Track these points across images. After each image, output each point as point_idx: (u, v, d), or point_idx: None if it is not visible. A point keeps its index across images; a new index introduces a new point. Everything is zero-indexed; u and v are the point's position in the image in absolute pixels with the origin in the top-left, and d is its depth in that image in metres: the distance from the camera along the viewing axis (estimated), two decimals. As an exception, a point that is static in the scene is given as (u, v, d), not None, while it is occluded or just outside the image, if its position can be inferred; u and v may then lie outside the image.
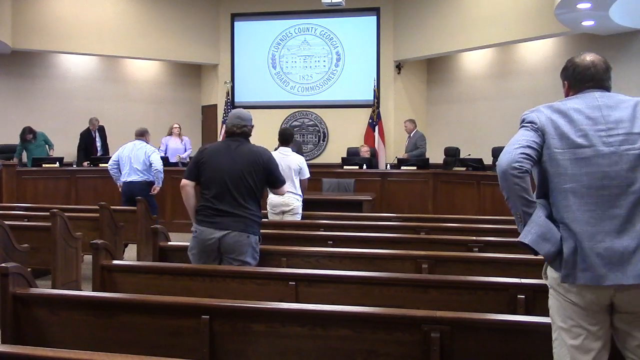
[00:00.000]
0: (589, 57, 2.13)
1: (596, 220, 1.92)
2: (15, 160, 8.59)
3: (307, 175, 5.47)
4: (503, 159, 1.99)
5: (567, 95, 2.17)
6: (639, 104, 2.01)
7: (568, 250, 1.93)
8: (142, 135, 6.66)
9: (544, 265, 2.09)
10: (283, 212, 5.38)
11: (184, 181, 3.55)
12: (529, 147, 2.00)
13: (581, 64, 2.12)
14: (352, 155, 9.29)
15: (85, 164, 8.77)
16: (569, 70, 2.15)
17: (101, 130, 9.53)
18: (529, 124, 2.06)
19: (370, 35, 10.46)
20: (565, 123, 2.01)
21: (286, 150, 5.45)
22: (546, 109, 2.07)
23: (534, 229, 1.95)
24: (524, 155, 1.98)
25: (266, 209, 5.49)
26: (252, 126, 3.67)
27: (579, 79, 2.11)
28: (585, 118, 2.00)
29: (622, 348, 1.97)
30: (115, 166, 6.61)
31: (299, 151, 7.06)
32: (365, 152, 9.16)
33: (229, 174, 3.44)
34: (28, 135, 8.74)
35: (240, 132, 3.57)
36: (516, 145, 2.01)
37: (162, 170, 6.59)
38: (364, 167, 8.64)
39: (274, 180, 3.62)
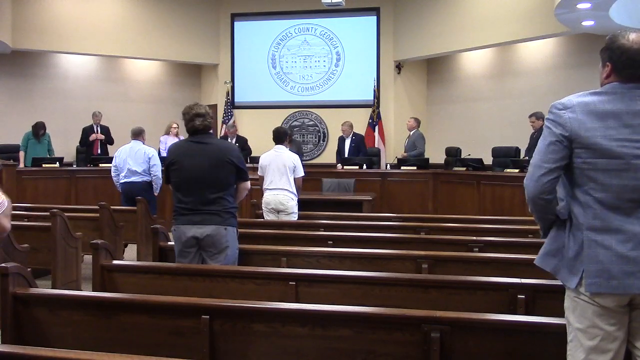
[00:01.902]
0: (635, 42, 1.92)
1: (626, 229, 1.89)
2: (21, 154, 8.64)
3: (301, 173, 5.46)
4: (530, 187, 2.00)
5: (607, 77, 1.98)
6: None
7: (592, 259, 1.91)
8: (138, 134, 6.65)
9: None
10: (278, 211, 5.37)
11: (170, 186, 3.72)
12: (556, 168, 1.96)
13: (631, 49, 1.91)
14: (340, 143, 9.29)
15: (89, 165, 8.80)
16: (616, 53, 1.94)
17: (105, 129, 9.50)
18: (559, 130, 1.95)
19: (370, 35, 10.46)
20: (600, 132, 1.90)
21: (280, 148, 5.45)
22: (580, 109, 1.93)
23: (543, 248, 2.04)
24: (551, 182, 1.97)
25: (261, 209, 5.50)
26: (212, 118, 3.74)
27: (627, 64, 1.92)
28: (623, 126, 1.89)
29: (633, 347, 1.96)
30: (117, 173, 6.62)
31: (298, 151, 7.06)
32: (346, 131, 9.07)
33: (199, 172, 3.49)
34: (41, 130, 8.77)
35: (202, 128, 3.59)
36: (542, 171, 1.97)
37: (161, 177, 6.61)
38: (364, 167, 8.64)
39: (242, 175, 3.65)
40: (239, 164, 3.61)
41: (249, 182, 3.76)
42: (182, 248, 3.53)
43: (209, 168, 3.49)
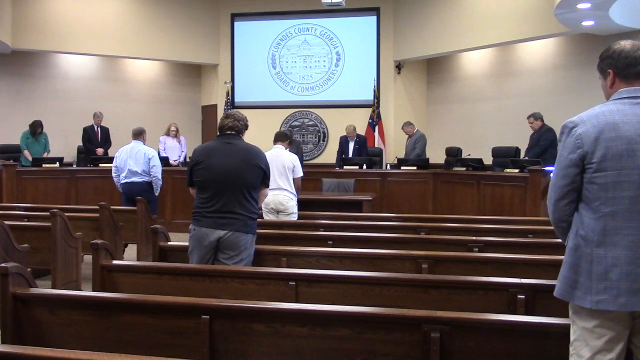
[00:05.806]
0: (628, 42, 1.99)
1: (636, 245, 1.87)
2: (27, 153, 8.73)
3: (300, 174, 5.46)
4: (551, 211, 2.06)
5: (611, 85, 2.01)
6: None
7: (600, 276, 1.89)
8: (139, 134, 6.65)
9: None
10: (277, 211, 5.38)
11: (190, 190, 3.69)
12: (570, 191, 1.98)
13: (625, 47, 1.97)
14: (343, 144, 9.36)
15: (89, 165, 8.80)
16: (614, 56, 1.99)
17: (105, 130, 9.48)
18: (570, 148, 1.95)
19: (370, 35, 10.46)
20: (615, 143, 1.88)
21: (279, 148, 5.46)
22: (593, 121, 1.93)
23: (561, 281, 2.02)
24: (569, 206, 2.00)
25: (261, 208, 5.50)
26: (246, 126, 3.72)
27: (627, 63, 1.96)
28: (637, 135, 1.88)
29: (635, 347, 1.96)
30: (118, 173, 6.62)
31: (298, 151, 7.06)
32: (351, 134, 9.19)
33: (225, 173, 3.47)
34: (38, 129, 8.80)
35: (230, 126, 3.61)
36: (558, 195, 2.00)
37: (161, 178, 6.62)
38: (364, 167, 8.65)
39: (267, 181, 3.69)
40: (267, 170, 3.64)
41: (268, 189, 3.81)
42: (200, 249, 3.48)
43: (238, 167, 3.48)
